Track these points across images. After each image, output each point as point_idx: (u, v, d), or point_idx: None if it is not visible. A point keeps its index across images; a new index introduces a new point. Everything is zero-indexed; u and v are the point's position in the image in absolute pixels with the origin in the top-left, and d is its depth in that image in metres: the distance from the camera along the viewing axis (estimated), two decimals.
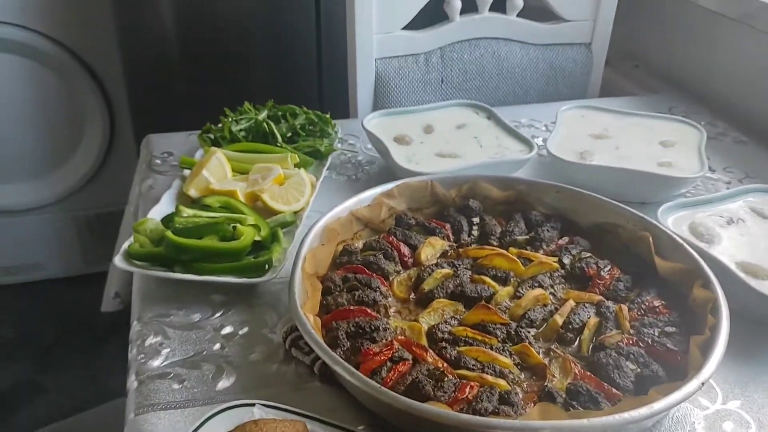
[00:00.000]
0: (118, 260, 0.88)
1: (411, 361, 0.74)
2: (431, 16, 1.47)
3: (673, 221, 0.94)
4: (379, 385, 0.66)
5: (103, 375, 2.19)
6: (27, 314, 2.41)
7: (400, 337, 0.77)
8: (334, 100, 1.99)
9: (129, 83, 1.98)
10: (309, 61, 2.01)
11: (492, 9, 1.49)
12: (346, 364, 0.68)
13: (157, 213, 0.97)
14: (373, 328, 0.77)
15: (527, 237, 0.96)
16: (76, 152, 2.36)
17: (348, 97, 1.51)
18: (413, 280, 0.88)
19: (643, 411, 0.63)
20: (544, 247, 0.94)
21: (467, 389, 0.69)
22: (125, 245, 0.90)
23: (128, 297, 1.35)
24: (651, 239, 0.88)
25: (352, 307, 0.80)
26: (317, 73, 2.03)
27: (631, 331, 0.79)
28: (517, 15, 1.51)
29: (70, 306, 2.45)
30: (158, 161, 1.18)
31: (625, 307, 0.81)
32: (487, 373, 0.72)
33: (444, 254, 0.93)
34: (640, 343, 0.77)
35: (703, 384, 0.66)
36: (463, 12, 1.47)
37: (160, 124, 1.35)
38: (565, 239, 0.95)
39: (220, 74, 1.97)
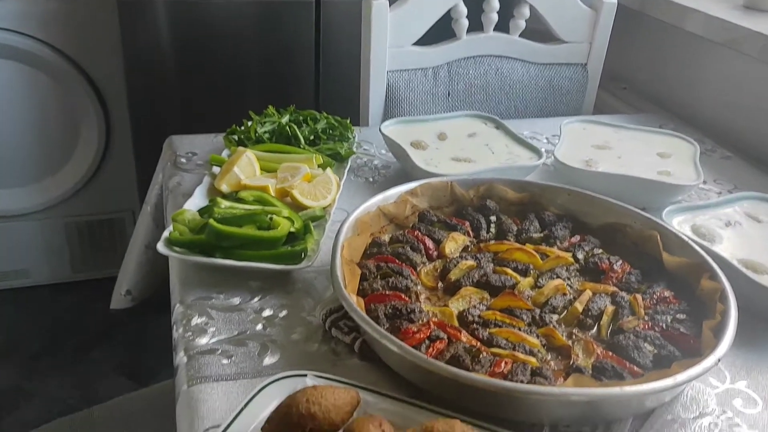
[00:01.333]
0: (160, 246, 0.91)
1: (447, 340, 0.79)
2: (440, 33, 1.55)
3: (676, 223, 1.01)
4: (425, 356, 0.72)
5: (90, 380, 2.19)
6: (13, 320, 2.40)
7: (434, 320, 0.83)
8: (331, 109, 2.06)
9: (130, 94, 2.01)
10: (307, 71, 2.07)
11: (496, 29, 1.58)
12: (394, 337, 0.74)
13: (191, 205, 1.02)
14: (409, 310, 0.82)
15: (542, 235, 1.02)
16: (70, 159, 2.37)
17: (346, 105, 1.58)
18: (439, 270, 0.94)
19: (668, 381, 0.69)
20: (558, 244, 1.00)
21: (502, 364, 0.75)
22: (165, 233, 0.94)
23: (139, 294, 1.38)
24: (659, 237, 0.95)
25: (387, 292, 0.86)
26: (314, 82, 2.09)
27: (646, 318, 0.86)
28: (520, 35, 1.60)
29: (57, 313, 2.44)
30: (183, 160, 1.23)
31: (639, 296, 0.88)
32: (518, 352, 0.78)
33: (465, 249, 1.00)
34: (655, 328, 0.83)
35: (719, 360, 0.73)
36: (469, 31, 1.56)
37: (158, 132, 1.38)
38: (577, 237, 1.01)
39: (217, 83, 2.02)
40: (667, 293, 0.90)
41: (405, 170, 1.21)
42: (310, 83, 2.10)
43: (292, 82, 2.07)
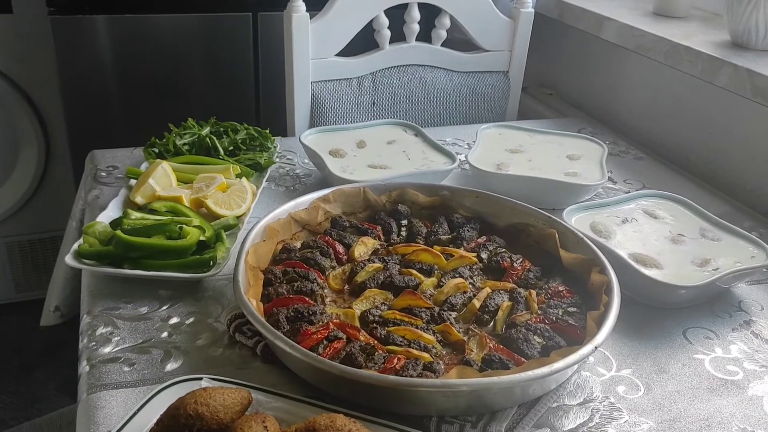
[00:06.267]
0: (68, 259, 0.93)
1: (345, 340, 0.82)
2: (363, 43, 1.59)
3: (575, 220, 1.06)
4: (316, 355, 0.74)
5: (33, 400, 2.17)
6: None
7: (335, 320, 0.85)
8: (272, 121, 2.08)
9: (67, 111, 2.00)
10: (247, 85, 2.09)
11: (419, 39, 1.62)
12: (287, 338, 0.76)
13: (104, 218, 1.03)
14: (310, 312, 0.85)
15: (450, 236, 1.06)
16: (9, 179, 2.35)
17: (285, 118, 1.61)
18: (347, 274, 0.97)
19: (545, 369, 0.73)
20: (465, 245, 1.04)
21: (395, 360, 0.78)
22: (75, 246, 0.95)
23: (68, 311, 1.38)
24: (557, 235, 0.99)
25: (291, 296, 0.88)
26: (255, 95, 2.12)
27: (539, 312, 0.90)
28: (441, 45, 1.65)
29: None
30: (103, 174, 1.24)
31: (533, 292, 0.92)
32: (413, 348, 0.81)
33: (375, 252, 1.03)
34: (546, 321, 0.87)
35: (596, 347, 0.77)
36: (392, 41, 1.60)
37: (98, 149, 1.39)
38: (483, 238, 1.05)
39: (157, 100, 2.02)
40: (561, 288, 0.94)
41: (324, 178, 1.24)
42: (251, 96, 2.12)
43: (233, 95, 2.09)
